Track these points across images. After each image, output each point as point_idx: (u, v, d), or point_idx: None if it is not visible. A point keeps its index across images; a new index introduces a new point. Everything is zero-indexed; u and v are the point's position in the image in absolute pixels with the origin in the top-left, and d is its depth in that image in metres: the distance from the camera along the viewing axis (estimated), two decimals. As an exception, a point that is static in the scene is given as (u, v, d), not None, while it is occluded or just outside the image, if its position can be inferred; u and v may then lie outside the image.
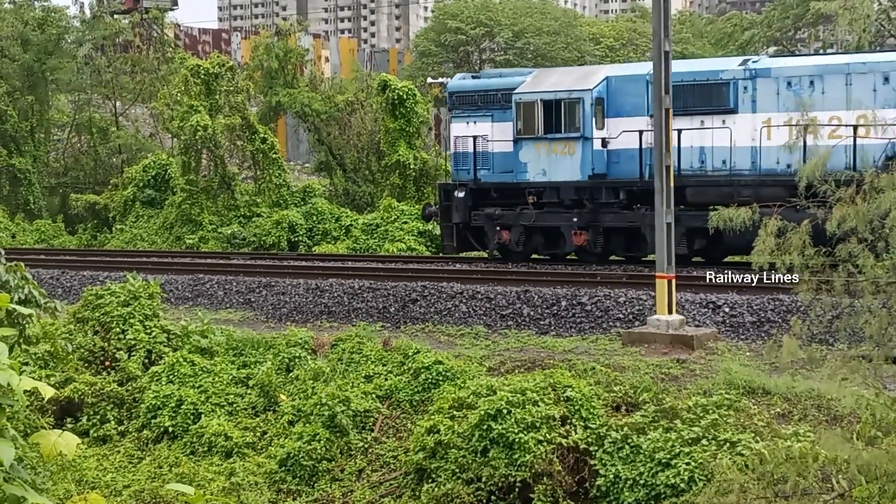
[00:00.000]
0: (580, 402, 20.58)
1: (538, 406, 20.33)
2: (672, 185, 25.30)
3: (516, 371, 23.24)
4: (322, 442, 22.42)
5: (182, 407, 24.50)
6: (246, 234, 48.27)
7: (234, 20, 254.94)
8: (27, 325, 16.39)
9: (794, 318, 14.66)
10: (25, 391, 5.49)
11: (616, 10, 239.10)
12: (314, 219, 49.53)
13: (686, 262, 32.02)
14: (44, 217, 58.52)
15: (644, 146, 32.65)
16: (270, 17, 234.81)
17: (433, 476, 20.75)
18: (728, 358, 22.92)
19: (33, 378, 5.46)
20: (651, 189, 29.77)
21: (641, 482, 19.04)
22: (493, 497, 20.10)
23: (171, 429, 24.35)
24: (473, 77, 38.61)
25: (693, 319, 25.61)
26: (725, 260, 32.97)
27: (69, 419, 25.05)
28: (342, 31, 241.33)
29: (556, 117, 33.92)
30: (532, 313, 27.39)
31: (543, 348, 25.13)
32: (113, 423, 25.20)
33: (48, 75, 61.22)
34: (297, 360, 25.61)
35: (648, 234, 31.94)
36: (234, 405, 24.75)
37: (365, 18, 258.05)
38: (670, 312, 24.60)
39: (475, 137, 36.03)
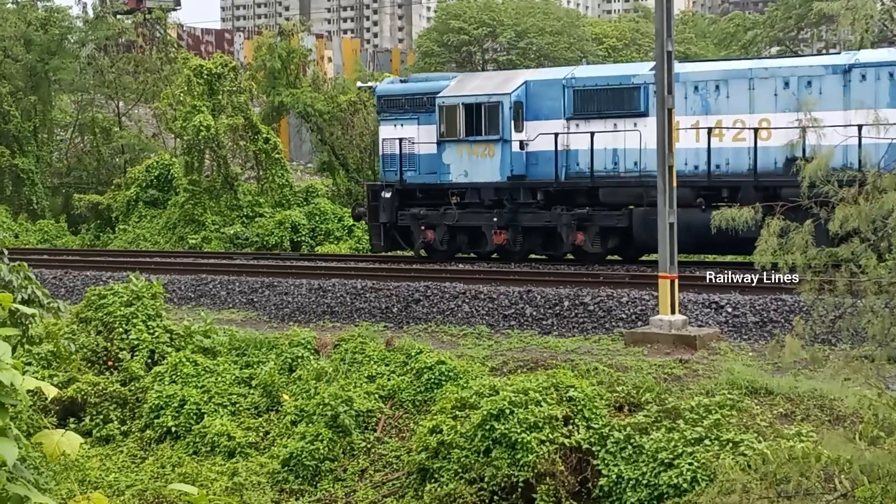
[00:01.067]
0: (583, 403, 20.59)
1: (541, 406, 20.34)
2: (674, 184, 25.28)
3: (519, 371, 23.25)
4: (325, 442, 22.43)
5: (185, 407, 24.52)
6: (249, 234, 48.32)
7: (236, 20, 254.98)
8: (30, 325, 16.40)
9: (796, 318, 14.67)
10: (28, 391, 5.50)
11: (619, 11, 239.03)
12: (317, 219, 49.59)
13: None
14: (47, 217, 58.58)
15: (560, 148, 34.07)
16: (273, 18, 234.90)
17: (436, 476, 20.76)
18: (731, 358, 22.92)
19: (36, 378, 5.46)
20: (566, 190, 34.17)
21: (644, 482, 19.05)
22: (495, 497, 20.10)
23: (174, 429, 24.37)
24: (402, 81, 39.76)
25: (696, 319, 25.61)
26: (728, 259, 33.00)
27: (72, 419, 25.08)
28: (345, 31, 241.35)
29: (477, 120, 35.03)
30: (535, 313, 27.41)
31: (546, 348, 25.13)
32: (116, 423, 25.22)
33: (51, 75, 61.27)
34: (299, 360, 25.62)
35: (564, 234, 33.89)
36: (237, 405, 24.77)
37: (368, 18, 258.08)
38: (673, 312, 24.60)
39: (401, 140, 37.14)
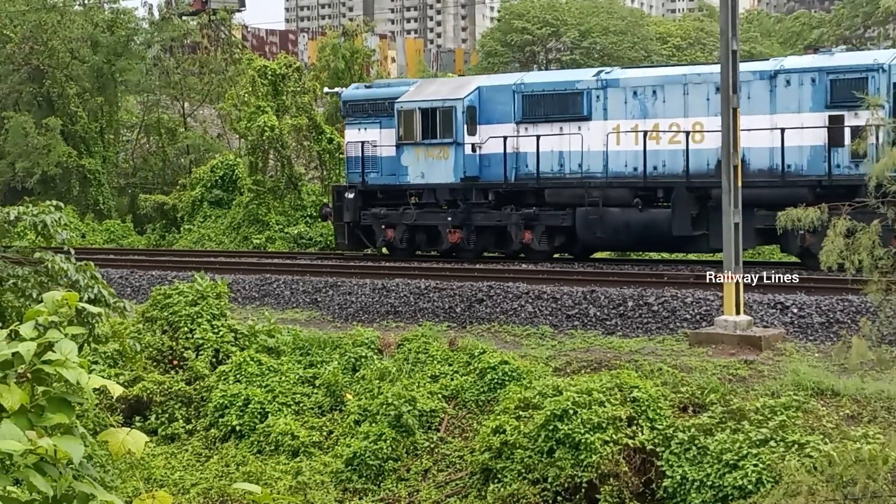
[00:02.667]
0: (647, 403, 20.51)
1: (604, 407, 20.28)
2: (739, 184, 25.12)
3: (582, 371, 23.19)
4: (388, 441, 22.46)
5: (249, 406, 24.62)
6: (312, 234, 48.44)
7: (300, 21, 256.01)
8: (97, 324, 16.53)
9: (863, 319, 14.56)
10: (94, 389, 5.53)
11: (683, 9, 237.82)
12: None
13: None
14: (113, 217, 59.01)
15: (510, 151, 35.73)
16: (337, 18, 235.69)
17: (499, 476, 20.75)
18: (796, 359, 22.74)
19: (102, 377, 5.50)
20: (514, 190, 35.89)
21: (708, 483, 18.95)
22: (559, 498, 20.07)
23: (238, 428, 24.49)
24: (366, 87, 41.51)
25: (761, 320, 25.43)
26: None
27: (138, 418, 25.26)
28: (408, 32, 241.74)
29: (433, 124, 36.74)
30: (598, 313, 27.32)
31: (610, 349, 25.05)
32: (181, 421, 25.38)
33: (117, 77, 61.71)
34: (363, 359, 25.67)
35: (513, 232, 35.61)
36: (301, 404, 24.84)
37: (431, 19, 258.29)
38: (738, 313, 24.44)
39: (363, 143, 38.91)
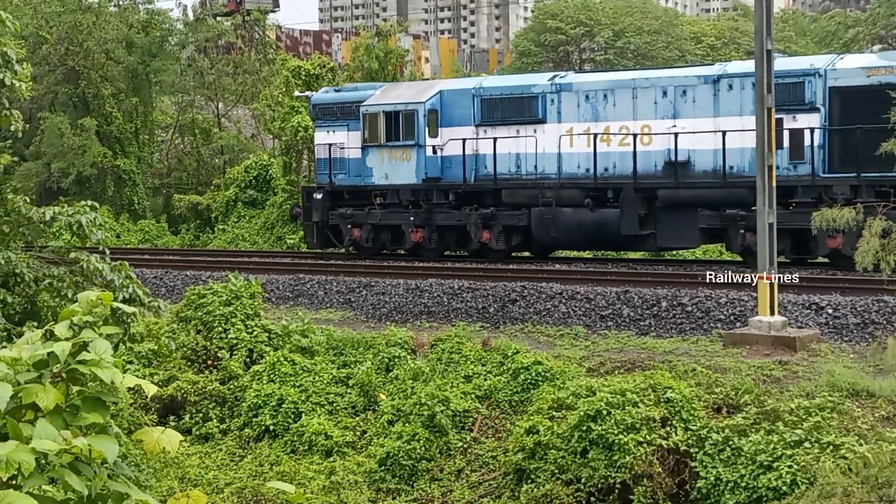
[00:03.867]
0: (680, 404, 20.46)
1: (638, 407, 20.25)
2: (774, 184, 25.05)
3: (616, 372, 23.15)
4: (421, 442, 22.48)
5: (283, 406, 24.68)
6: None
7: (334, 21, 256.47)
8: (131, 324, 16.60)
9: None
10: (129, 389, 5.55)
11: (717, 9, 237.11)
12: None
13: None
14: (147, 217, 59.25)
15: (469, 153, 37.08)
16: (370, 18, 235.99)
17: (532, 476, 20.73)
18: (831, 360, 22.65)
19: (137, 376, 5.52)
20: (473, 191, 37.30)
21: (743, 485, 18.89)
22: (592, 498, 20.04)
23: (271, 427, 24.54)
24: (335, 90, 42.54)
25: (795, 321, 25.34)
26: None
27: (172, 417, 25.35)
28: (442, 32, 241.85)
29: (396, 127, 38.12)
30: (632, 314, 27.27)
31: (643, 349, 25.00)
32: (215, 421, 25.45)
33: (152, 77, 61.93)
34: (396, 359, 25.69)
35: (472, 232, 36.83)
36: (335, 404, 24.88)
37: (465, 19, 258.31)
38: (772, 313, 24.36)
39: (331, 145, 40.04)
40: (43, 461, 5.14)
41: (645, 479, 19.67)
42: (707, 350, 24.42)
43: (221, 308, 27.38)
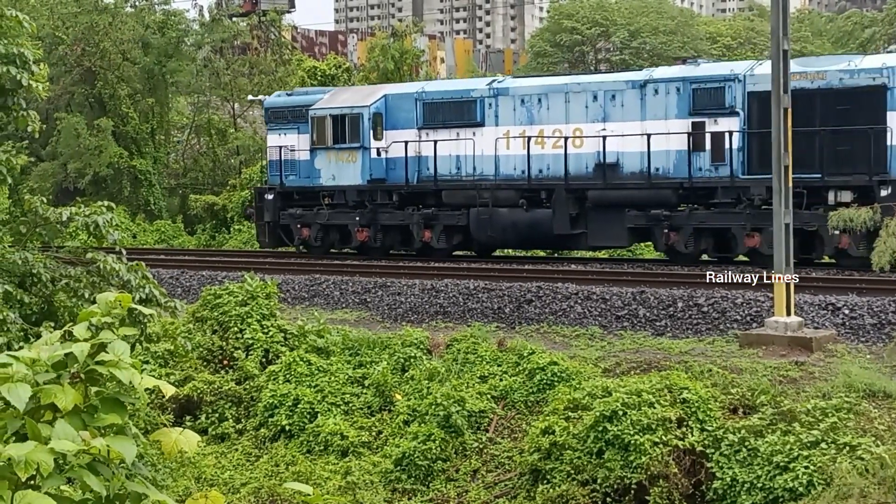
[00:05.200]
0: (696, 404, 20.45)
1: (654, 408, 20.24)
2: (790, 185, 25.03)
3: (632, 372, 23.14)
4: (437, 442, 22.49)
5: (299, 406, 24.70)
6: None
7: (350, 22, 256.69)
8: (148, 324, 16.64)
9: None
10: (147, 389, 5.57)
11: (733, 9, 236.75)
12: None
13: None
14: (164, 217, 59.34)
15: (412, 155, 38.28)
16: (386, 19, 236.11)
17: (548, 477, 20.74)
18: (848, 360, 22.61)
19: (153, 376, 5.54)
20: (416, 192, 38.55)
21: (759, 485, 18.87)
22: (608, 499, 20.04)
23: (287, 427, 24.57)
24: (288, 95, 43.73)
25: (812, 321, 25.29)
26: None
27: (188, 417, 25.40)
28: (457, 32, 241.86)
29: (342, 130, 39.40)
30: (648, 314, 27.25)
31: (659, 350, 24.99)
32: (231, 421, 25.49)
33: (168, 78, 61.97)
34: (412, 359, 25.71)
35: (415, 231, 38.12)
36: (350, 404, 24.90)
37: (480, 19, 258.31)
38: (788, 314, 24.31)
39: (282, 147, 41.19)
40: (61, 461, 5.16)
41: (661, 480, 19.67)
42: (723, 350, 24.39)
43: (237, 308, 27.41)
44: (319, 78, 52.07)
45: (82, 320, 5.59)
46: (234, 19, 72.47)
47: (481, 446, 22.79)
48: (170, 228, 57.61)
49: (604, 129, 34.74)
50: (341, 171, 39.52)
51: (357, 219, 39.19)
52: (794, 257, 31.47)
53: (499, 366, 24.75)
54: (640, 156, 33.96)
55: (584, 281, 30.36)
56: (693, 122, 33.18)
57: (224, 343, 27.07)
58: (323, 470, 22.98)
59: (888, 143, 30.21)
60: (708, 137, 32.84)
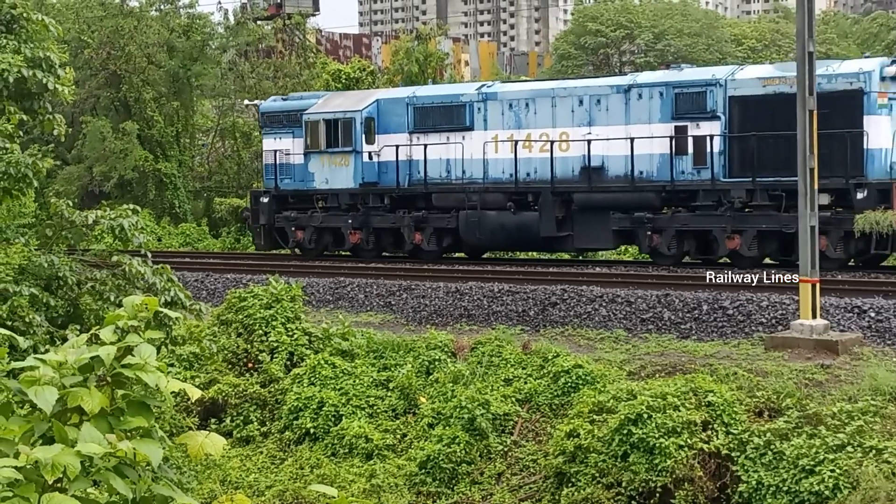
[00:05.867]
0: (722, 408, 20.40)
1: (679, 411, 20.20)
2: (815, 187, 24.95)
3: (657, 375, 23.10)
4: (462, 445, 22.49)
5: (323, 409, 24.72)
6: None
7: (374, 25, 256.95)
8: (174, 327, 16.69)
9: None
10: (172, 392, 5.58)
11: (758, 11, 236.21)
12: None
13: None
14: (188, 220, 59.42)
15: (404, 159, 38.90)
16: (410, 22, 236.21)
17: (573, 480, 20.72)
18: (874, 363, 22.52)
19: (179, 379, 5.54)
20: (408, 195, 39.32)
21: (784, 489, 18.82)
22: (633, 502, 20.02)
23: (312, 430, 24.59)
24: (283, 99, 44.72)
25: (838, 324, 25.20)
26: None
27: (213, 420, 25.45)
28: (482, 35, 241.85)
29: (335, 134, 40.11)
30: (673, 317, 27.20)
31: (684, 353, 24.93)
32: (256, 424, 25.52)
33: (193, 81, 62.08)
34: (436, 362, 25.70)
35: (406, 234, 38.79)
36: (375, 407, 24.91)
37: (504, 22, 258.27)
38: (814, 317, 24.23)
39: (277, 151, 41.94)
40: (88, 464, 5.17)
41: (686, 483, 19.63)
42: (748, 353, 24.33)
43: (262, 311, 27.45)
44: (344, 81, 52.11)
45: (108, 323, 5.61)
46: (259, 22, 72.60)
47: (506, 449, 22.78)
48: (195, 231, 57.70)
49: (589, 133, 35.36)
50: (334, 174, 40.28)
51: (350, 221, 39.99)
52: (774, 259, 32.28)
53: (523, 369, 24.73)
54: (624, 159, 34.58)
55: (609, 284, 30.33)
56: (676, 126, 33.79)
57: (249, 346, 27.11)
58: (347, 473, 23.00)
59: (865, 146, 30.84)
60: (690, 141, 33.51)
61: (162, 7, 63.45)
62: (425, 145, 38.28)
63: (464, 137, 37.84)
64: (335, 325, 27.86)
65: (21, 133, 22.55)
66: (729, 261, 33.35)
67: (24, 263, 20.33)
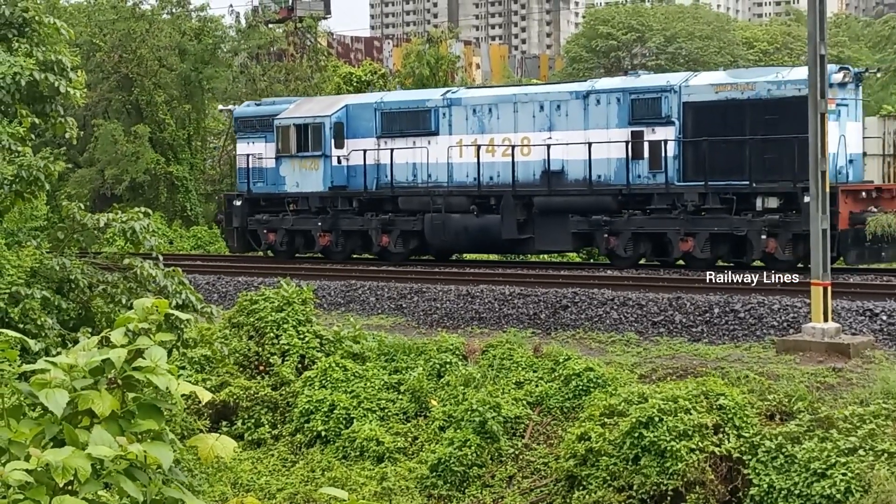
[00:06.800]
0: (733, 411, 20.37)
1: (690, 414, 20.18)
2: (827, 190, 24.92)
3: (668, 378, 23.07)
4: (473, 448, 22.47)
5: (334, 412, 24.72)
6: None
7: (385, 28, 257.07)
8: (185, 330, 16.70)
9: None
10: (183, 395, 5.59)
11: (770, 14, 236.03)
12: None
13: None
14: (200, 223, 59.48)
15: (371, 163, 39.72)
16: (422, 25, 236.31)
17: (584, 483, 20.70)
18: (886, 367, 22.47)
19: (190, 382, 5.55)
20: (375, 198, 40.06)
21: (796, 492, 18.79)
22: (644, 505, 19.98)
23: (323, 433, 24.59)
24: (256, 105, 45.47)
25: (849, 327, 25.17)
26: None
27: (224, 422, 25.46)
28: (493, 38, 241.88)
29: (305, 138, 41.08)
30: (684, 320, 27.18)
31: (696, 356, 24.91)
32: (267, 426, 25.52)
33: (204, 84, 62.15)
34: (447, 365, 25.69)
35: (373, 236, 39.48)
36: (386, 410, 24.90)
37: (516, 25, 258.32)
38: (826, 320, 24.19)
39: (249, 155, 42.81)
40: (99, 467, 5.18)
41: (697, 487, 19.61)
42: (760, 357, 24.30)
43: (273, 314, 27.45)
44: (355, 84, 52.13)
45: (119, 326, 5.62)
46: (271, 25, 72.65)
47: (517, 452, 22.76)
48: (206, 234, 57.73)
49: (549, 138, 36.13)
50: (305, 178, 41.17)
51: (319, 224, 40.73)
52: (726, 261, 33.47)
53: (534, 372, 24.71)
54: (583, 163, 35.25)
55: (620, 287, 30.31)
56: (632, 132, 34.49)
57: (260, 349, 27.12)
58: (359, 476, 22.99)
59: None
60: (646, 146, 34.22)
61: (173, 10, 63.53)
62: (392, 149, 39.14)
63: (429, 142, 38.67)
64: (346, 328, 27.86)
65: (33, 136, 22.60)
66: (684, 263, 34.20)
67: (35, 266, 20.37)
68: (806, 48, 26.10)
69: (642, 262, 35.27)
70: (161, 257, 20.87)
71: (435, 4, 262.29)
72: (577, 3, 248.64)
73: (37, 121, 20.50)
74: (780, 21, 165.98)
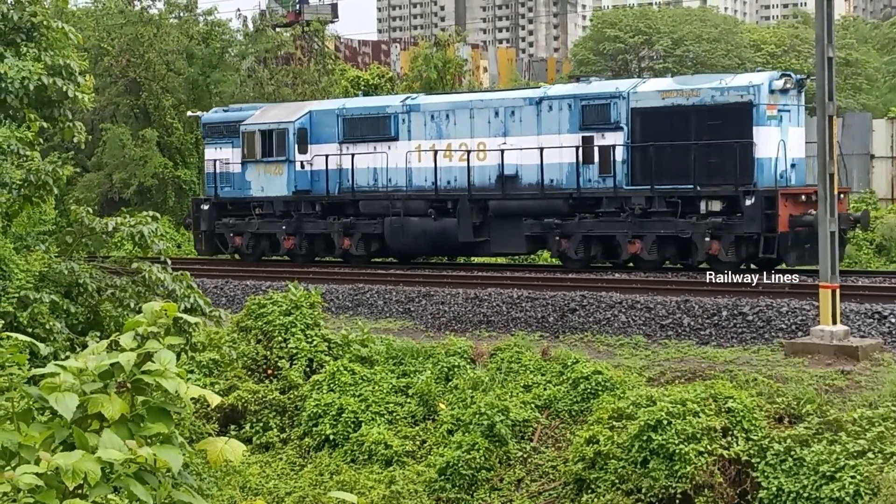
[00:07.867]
0: (742, 414, 20.36)
1: (699, 417, 20.17)
2: (835, 193, 24.92)
3: (676, 381, 23.06)
4: (481, 451, 22.47)
5: (343, 415, 24.73)
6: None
7: (393, 31, 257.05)
8: (193, 334, 16.71)
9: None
10: (192, 399, 5.59)
11: (777, 17, 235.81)
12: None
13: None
14: (208, 227, 59.46)
15: (334, 167, 40.49)
16: (429, 28, 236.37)
17: (592, 487, 20.69)
18: (894, 369, 22.45)
19: (198, 385, 5.55)
20: (337, 202, 40.84)
21: (805, 495, 18.77)
22: (653, 508, 19.96)
23: (331, 437, 24.60)
24: (224, 111, 46.29)
25: (858, 330, 25.14)
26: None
27: (233, 426, 25.46)
28: (500, 41, 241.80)
29: (270, 144, 41.85)
30: (692, 323, 27.16)
31: (704, 359, 24.89)
32: (275, 430, 25.53)
33: (212, 88, 62.17)
34: (456, 369, 25.69)
35: (336, 239, 40.31)
36: (394, 414, 24.91)
37: (523, 28, 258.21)
38: (834, 323, 24.18)
39: (217, 160, 43.56)
40: (108, 470, 5.19)
41: (706, 490, 19.60)
42: (768, 359, 24.28)
43: (281, 318, 27.47)
44: (363, 87, 52.10)
45: (128, 330, 5.63)
46: (278, 29, 72.65)
47: (525, 456, 22.76)
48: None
49: (504, 143, 36.92)
50: (269, 182, 41.98)
51: (284, 228, 41.63)
52: (673, 263, 34.18)
53: (543, 375, 24.70)
54: (536, 168, 36.03)
55: (628, 290, 30.30)
56: (583, 137, 35.21)
57: (268, 352, 27.13)
58: (367, 479, 22.99)
59: (753, 155, 32.41)
60: (596, 151, 34.97)
61: (181, 14, 63.58)
62: (353, 154, 39.85)
63: (389, 147, 39.44)
64: (354, 332, 27.87)
65: (41, 140, 22.63)
66: (632, 265, 34.67)
67: (44, 270, 20.40)
68: (814, 51, 26.09)
69: (594, 264, 35.95)
70: (169, 261, 20.91)
71: (442, 8, 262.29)
72: (584, 6, 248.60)
73: (45, 125, 20.53)
74: (787, 24, 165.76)
